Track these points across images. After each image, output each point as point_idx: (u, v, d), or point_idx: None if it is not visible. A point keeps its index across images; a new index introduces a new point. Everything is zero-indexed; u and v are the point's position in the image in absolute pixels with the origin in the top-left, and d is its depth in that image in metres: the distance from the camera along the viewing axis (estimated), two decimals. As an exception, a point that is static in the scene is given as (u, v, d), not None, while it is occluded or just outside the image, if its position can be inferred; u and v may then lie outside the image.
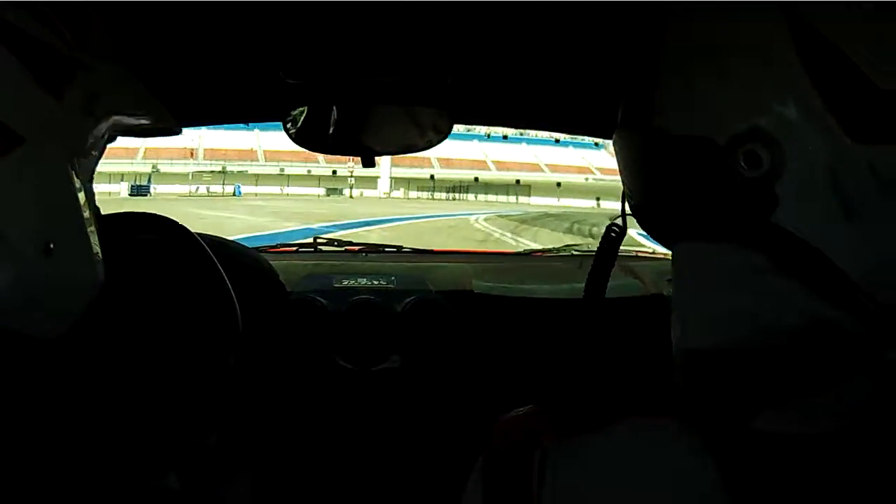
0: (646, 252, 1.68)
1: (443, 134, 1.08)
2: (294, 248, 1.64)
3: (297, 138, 1.06)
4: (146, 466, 0.64)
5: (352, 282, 1.29)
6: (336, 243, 1.66)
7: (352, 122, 1.06)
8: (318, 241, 1.64)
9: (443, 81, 0.98)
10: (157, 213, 0.85)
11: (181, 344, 0.79)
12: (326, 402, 1.22)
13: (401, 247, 1.68)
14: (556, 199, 32.69)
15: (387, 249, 1.65)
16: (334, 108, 1.05)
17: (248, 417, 0.88)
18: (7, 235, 0.41)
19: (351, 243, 1.67)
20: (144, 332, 0.78)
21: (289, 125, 1.05)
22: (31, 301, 0.44)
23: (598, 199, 31.63)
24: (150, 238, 0.85)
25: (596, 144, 40.53)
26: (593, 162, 44.25)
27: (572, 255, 1.70)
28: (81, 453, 0.55)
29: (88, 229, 0.49)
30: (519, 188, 34.42)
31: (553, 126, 1.27)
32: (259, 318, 0.89)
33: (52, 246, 0.44)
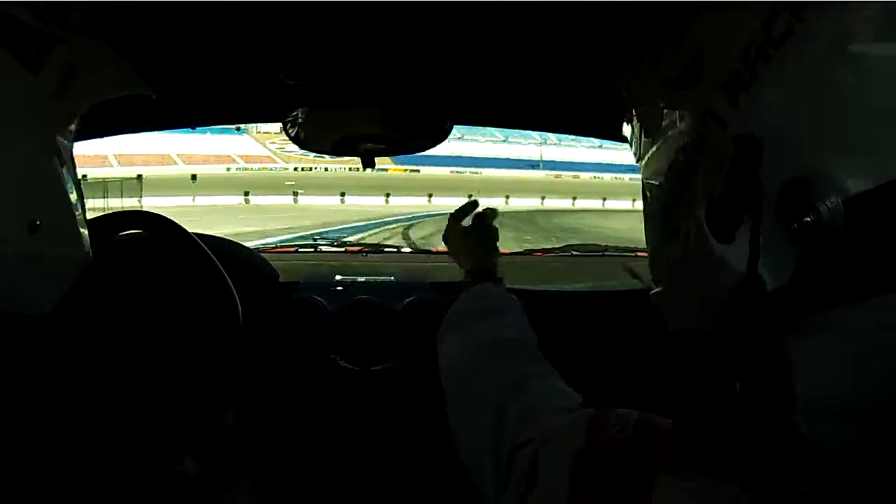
0: (645, 252, 1.68)
1: (443, 134, 1.08)
2: (294, 249, 1.64)
3: (297, 139, 1.06)
4: (160, 452, 0.65)
5: (352, 282, 1.29)
6: (336, 243, 1.67)
7: (352, 123, 1.06)
8: (318, 241, 1.65)
9: (442, 81, 0.98)
10: (150, 211, 0.85)
11: (184, 331, 0.80)
12: (327, 402, 1.22)
13: (400, 247, 1.68)
14: (190, 199, 21.85)
15: (386, 249, 1.65)
16: (334, 109, 1.05)
17: (248, 414, 0.88)
18: None
19: (351, 244, 1.68)
20: (147, 322, 0.79)
21: (289, 126, 1.05)
22: (17, 279, 0.44)
23: (246, 193, 22.60)
24: (146, 235, 0.86)
25: (237, 129, 31.74)
26: (234, 149, 34.48)
27: (572, 254, 1.71)
28: (86, 441, 0.55)
29: (72, 204, 0.50)
30: (142, 184, 22.91)
31: (554, 127, 1.27)
32: (256, 313, 0.89)
33: (37, 223, 0.45)
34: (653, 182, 0.43)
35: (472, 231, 0.79)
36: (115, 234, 0.82)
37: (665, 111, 0.40)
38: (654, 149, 0.42)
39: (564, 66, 0.93)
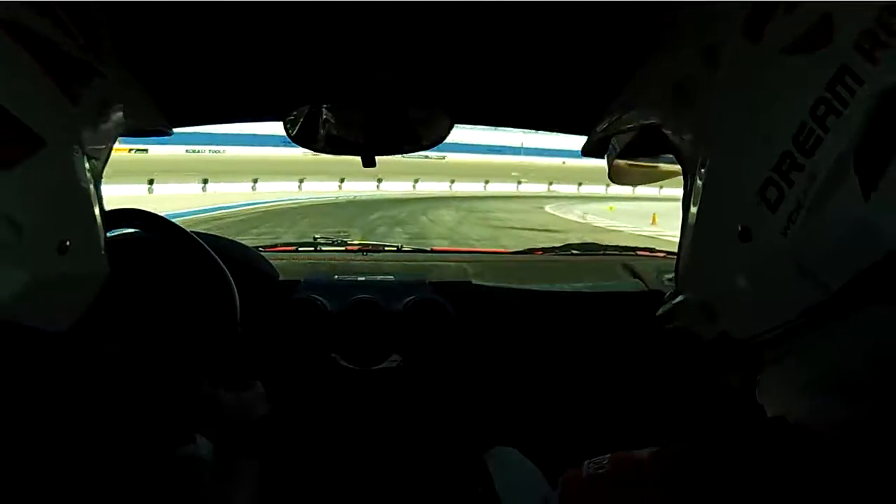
0: (645, 251, 1.68)
1: (443, 134, 1.08)
2: (294, 248, 1.64)
3: (297, 138, 1.06)
4: (173, 435, 0.66)
5: (352, 281, 1.29)
6: (336, 242, 1.67)
7: (352, 122, 1.06)
8: (318, 240, 1.65)
9: (443, 81, 0.98)
10: (146, 210, 0.85)
11: (186, 322, 0.81)
12: (327, 402, 1.23)
13: (401, 245, 1.68)
14: None
15: (387, 248, 1.65)
16: (334, 108, 1.05)
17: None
18: (28, 235, 0.42)
19: (351, 242, 1.68)
20: (151, 315, 0.80)
21: (289, 125, 1.05)
22: (43, 298, 0.45)
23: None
24: (143, 235, 0.86)
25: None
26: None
27: (572, 253, 1.71)
28: (101, 434, 0.57)
29: (98, 226, 0.51)
30: None
31: (556, 127, 1.27)
32: (256, 312, 0.90)
33: (67, 244, 0.46)
34: (739, 165, 0.39)
35: None
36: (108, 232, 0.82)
37: (766, 83, 0.38)
38: (739, 128, 0.39)
39: (568, 65, 0.93)
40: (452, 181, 23.99)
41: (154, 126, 0.62)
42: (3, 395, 0.47)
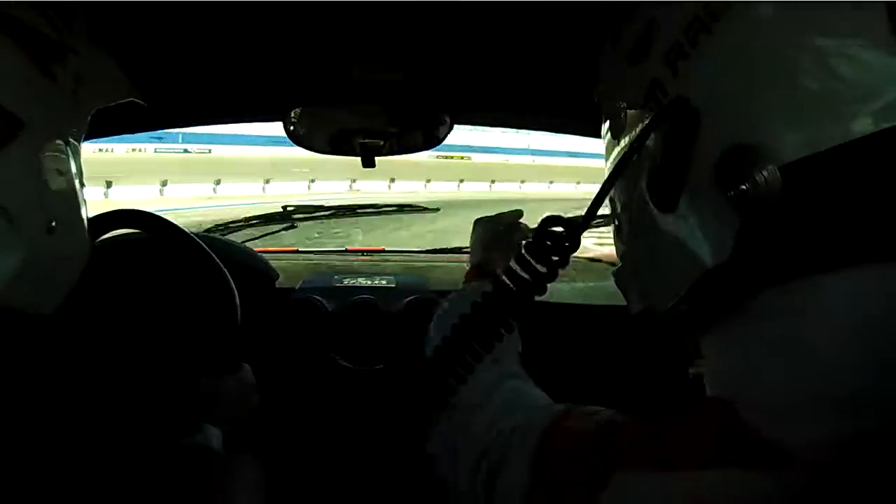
0: None
1: (443, 134, 1.08)
2: (294, 250, 1.65)
3: (297, 138, 1.05)
4: (178, 425, 0.66)
5: (352, 282, 1.29)
6: (336, 244, 1.67)
7: (352, 122, 1.06)
8: (319, 242, 1.65)
9: (443, 81, 0.98)
10: (146, 211, 0.85)
11: (185, 317, 0.81)
12: (327, 402, 1.22)
13: (401, 248, 1.68)
14: None
15: (387, 250, 1.66)
16: (333, 107, 1.04)
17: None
18: (17, 218, 0.42)
19: (351, 245, 1.68)
20: (148, 311, 0.80)
21: (289, 125, 1.04)
22: (34, 280, 0.45)
23: None
24: (142, 236, 0.86)
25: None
26: None
27: None
28: (98, 423, 0.57)
29: (80, 203, 0.51)
30: None
31: (557, 127, 1.27)
32: (255, 313, 0.89)
33: (53, 224, 0.46)
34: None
35: (491, 227, 0.78)
36: (103, 234, 0.82)
37: (626, 93, 0.40)
38: (622, 134, 0.42)
39: (569, 65, 0.92)
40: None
41: (126, 97, 0.61)
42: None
